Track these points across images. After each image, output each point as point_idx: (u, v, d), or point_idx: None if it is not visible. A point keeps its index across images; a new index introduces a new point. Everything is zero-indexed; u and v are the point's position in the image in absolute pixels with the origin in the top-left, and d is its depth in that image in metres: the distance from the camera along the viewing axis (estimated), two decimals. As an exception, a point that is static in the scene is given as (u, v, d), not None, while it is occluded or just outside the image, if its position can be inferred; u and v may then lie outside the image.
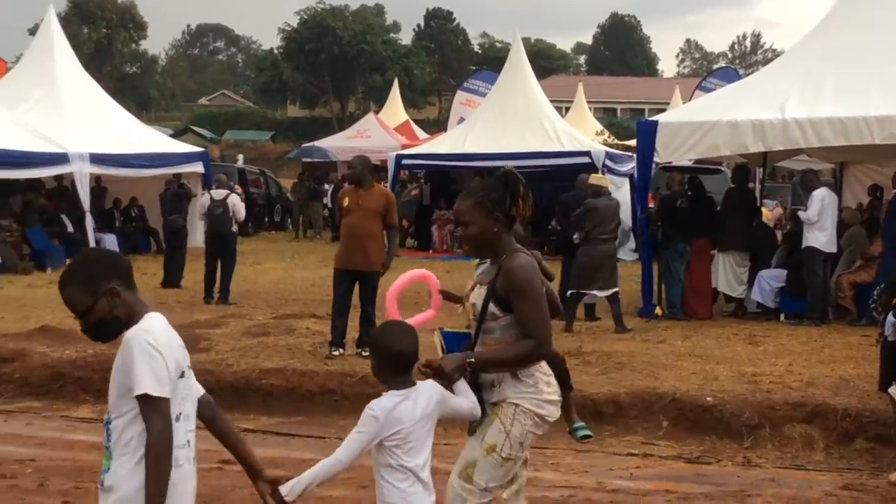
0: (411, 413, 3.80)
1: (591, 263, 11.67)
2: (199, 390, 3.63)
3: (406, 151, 24.75)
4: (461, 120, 27.54)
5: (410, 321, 4.22)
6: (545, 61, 77.37)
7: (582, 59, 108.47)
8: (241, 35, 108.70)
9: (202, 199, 14.93)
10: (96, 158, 19.05)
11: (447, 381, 3.99)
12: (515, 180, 4.14)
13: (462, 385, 4.07)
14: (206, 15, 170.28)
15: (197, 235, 17.30)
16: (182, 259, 15.98)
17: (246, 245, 21.24)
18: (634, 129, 15.71)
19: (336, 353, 9.85)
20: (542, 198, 19.36)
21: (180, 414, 3.36)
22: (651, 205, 15.60)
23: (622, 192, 18.19)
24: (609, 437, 8.10)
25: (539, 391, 4.14)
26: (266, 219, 30.21)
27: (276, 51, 72.44)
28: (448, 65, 78.20)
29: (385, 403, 3.80)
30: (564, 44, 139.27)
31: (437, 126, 49.76)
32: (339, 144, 35.69)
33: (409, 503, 3.80)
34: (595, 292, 11.83)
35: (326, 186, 27.32)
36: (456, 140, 22.28)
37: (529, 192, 4.16)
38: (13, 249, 17.99)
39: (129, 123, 22.72)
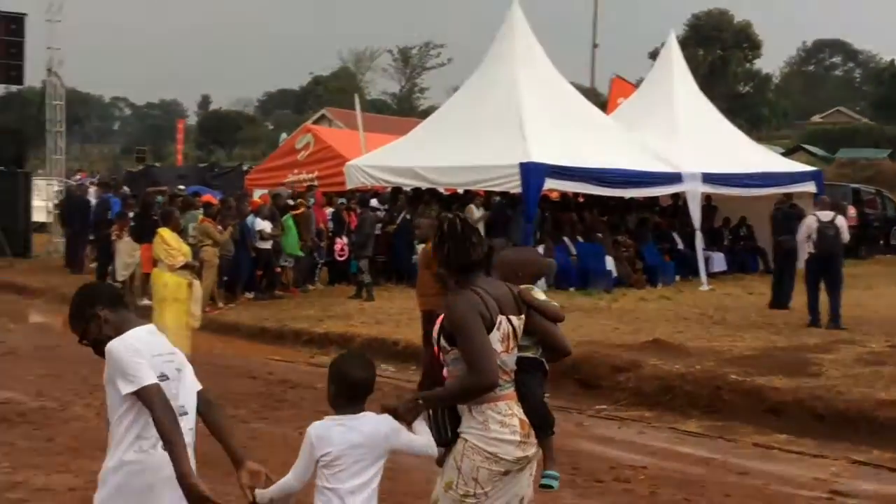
0: (344, 438, 3.91)
1: None
2: (193, 389, 4.04)
3: None
4: None
5: None
6: None
7: None
8: (861, 49, 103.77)
9: (808, 221, 14.50)
10: (708, 178, 19.51)
11: (404, 423, 4.07)
12: (442, 224, 4.32)
13: (419, 425, 4.14)
14: (824, 30, 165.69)
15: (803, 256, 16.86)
16: (791, 280, 15.68)
17: (858, 268, 20.22)
18: None
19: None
20: None
21: None
22: None
23: None
24: None
25: (487, 429, 4.10)
26: (881, 241, 28.40)
27: (896, 63, 68.03)
28: None
29: (318, 425, 3.98)
30: None
31: None
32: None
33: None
34: None
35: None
36: None
37: (458, 232, 4.23)
38: (628, 264, 19.12)
39: (741, 143, 22.89)
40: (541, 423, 4.30)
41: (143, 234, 15.74)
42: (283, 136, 38.67)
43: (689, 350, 11.15)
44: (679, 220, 21.25)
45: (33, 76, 30.37)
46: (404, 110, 76.74)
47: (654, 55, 34.97)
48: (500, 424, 4.10)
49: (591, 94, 30.83)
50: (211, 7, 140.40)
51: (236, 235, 16.53)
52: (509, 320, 4.18)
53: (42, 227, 28.24)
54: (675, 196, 21.28)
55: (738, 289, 18.65)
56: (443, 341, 4.21)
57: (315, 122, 43.65)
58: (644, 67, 33.25)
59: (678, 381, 9.90)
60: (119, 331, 3.92)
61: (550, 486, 4.52)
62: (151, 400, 3.68)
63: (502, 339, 4.14)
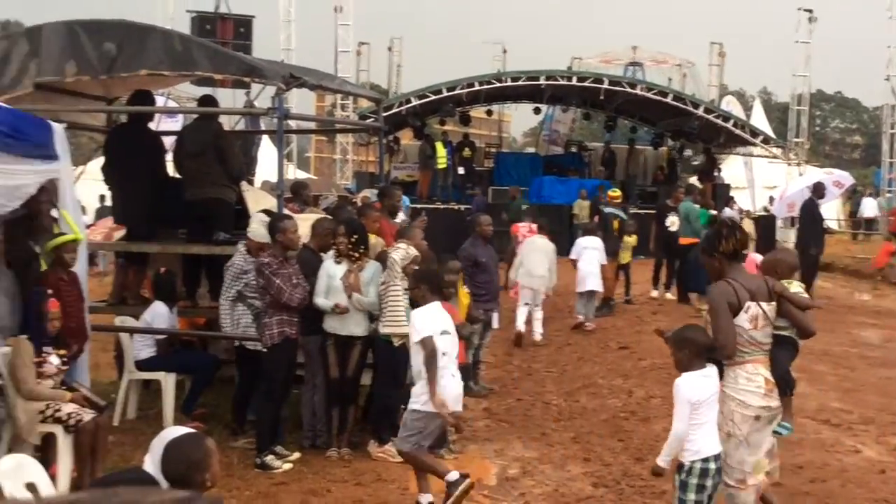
0: (707, 386, 5.33)
1: None
2: None
3: None
4: None
5: None
6: None
7: None
8: None
9: None
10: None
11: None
12: (721, 226, 5.83)
13: None
14: None
15: None
16: None
17: None
18: None
19: None
20: None
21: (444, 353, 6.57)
22: None
23: None
24: None
25: (736, 382, 5.49)
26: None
27: None
28: None
29: (688, 378, 5.32)
30: None
31: None
32: None
33: (691, 440, 5.29)
34: None
35: None
36: None
37: (734, 230, 5.57)
38: None
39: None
40: (783, 386, 5.55)
41: None
42: None
43: None
44: None
45: None
46: None
47: None
48: (747, 380, 5.48)
49: None
50: None
51: None
52: (759, 305, 5.46)
53: None
54: None
55: None
56: (706, 315, 5.69)
57: None
58: None
59: None
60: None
61: (780, 433, 5.62)
62: None
63: (750, 320, 5.46)
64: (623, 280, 16.70)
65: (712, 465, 5.30)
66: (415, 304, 6.93)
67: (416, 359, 6.61)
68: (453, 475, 6.62)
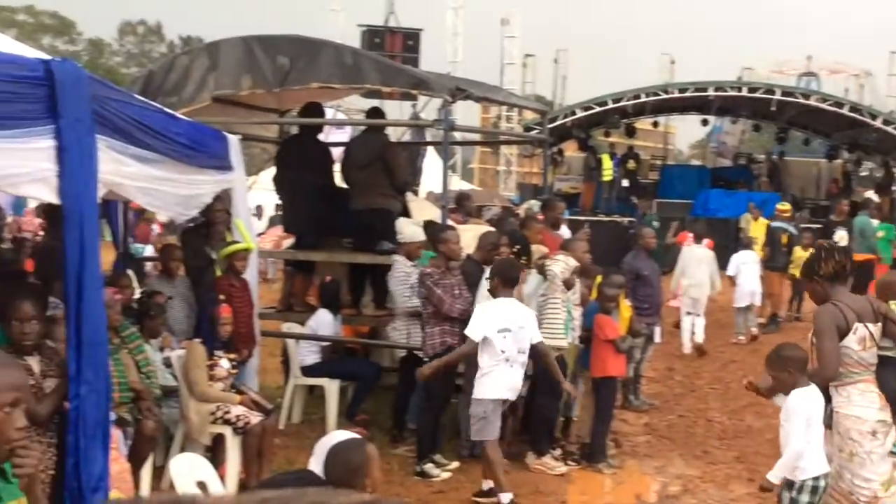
0: (816, 403, 5.27)
1: None
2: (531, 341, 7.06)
3: None
4: None
5: None
6: None
7: None
8: None
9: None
10: None
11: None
12: (819, 249, 5.76)
13: None
14: None
15: None
16: None
17: None
18: None
19: None
20: None
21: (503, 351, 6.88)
22: None
23: None
24: None
25: (850, 400, 5.43)
26: None
27: None
28: None
29: (799, 396, 5.20)
30: None
31: None
32: None
33: (803, 458, 5.21)
34: None
35: None
36: None
37: (833, 252, 5.61)
38: None
39: None
40: (892, 407, 5.45)
41: None
42: None
43: None
44: None
45: None
46: None
47: None
48: (861, 396, 5.42)
49: None
50: None
51: None
52: (866, 326, 5.43)
53: None
54: None
55: None
56: (812, 337, 5.51)
57: None
58: None
59: None
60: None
61: (895, 453, 5.48)
62: None
63: (859, 341, 5.42)
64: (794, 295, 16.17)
65: (822, 483, 5.26)
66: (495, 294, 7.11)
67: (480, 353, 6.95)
68: (506, 497, 6.83)
